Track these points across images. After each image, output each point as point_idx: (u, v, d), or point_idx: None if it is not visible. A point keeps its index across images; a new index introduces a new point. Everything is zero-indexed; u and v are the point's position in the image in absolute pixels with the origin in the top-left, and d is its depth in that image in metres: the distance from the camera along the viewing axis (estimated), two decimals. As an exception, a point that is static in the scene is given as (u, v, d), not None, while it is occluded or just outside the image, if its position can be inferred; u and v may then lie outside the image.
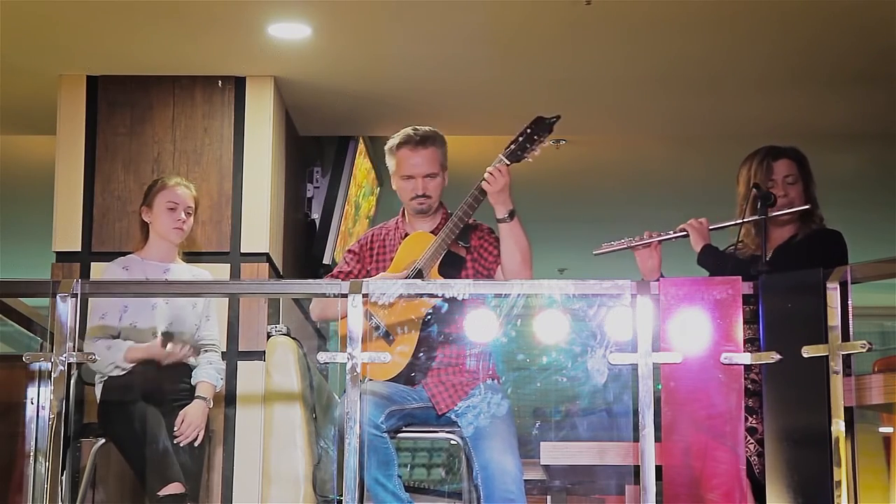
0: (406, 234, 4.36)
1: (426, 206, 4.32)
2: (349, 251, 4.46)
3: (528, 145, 4.15)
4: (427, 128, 4.36)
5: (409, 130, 4.34)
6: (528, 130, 4.16)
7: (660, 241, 4.27)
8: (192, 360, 4.63)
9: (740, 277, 3.64)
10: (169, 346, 4.48)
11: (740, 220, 4.20)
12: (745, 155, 4.38)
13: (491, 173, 4.13)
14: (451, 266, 4.24)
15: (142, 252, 4.69)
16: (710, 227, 4.27)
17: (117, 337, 4.53)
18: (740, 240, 4.27)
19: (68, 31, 5.28)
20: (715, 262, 4.22)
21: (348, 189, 6.76)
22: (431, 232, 4.31)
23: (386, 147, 4.40)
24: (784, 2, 5.01)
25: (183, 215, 4.64)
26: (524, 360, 4.26)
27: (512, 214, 4.17)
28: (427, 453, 9.42)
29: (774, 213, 4.17)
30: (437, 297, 4.01)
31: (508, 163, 4.14)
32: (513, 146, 4.16)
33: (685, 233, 4.27)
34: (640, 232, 4.30)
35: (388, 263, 4.31)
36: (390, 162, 4.38)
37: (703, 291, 3.59)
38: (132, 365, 4.47)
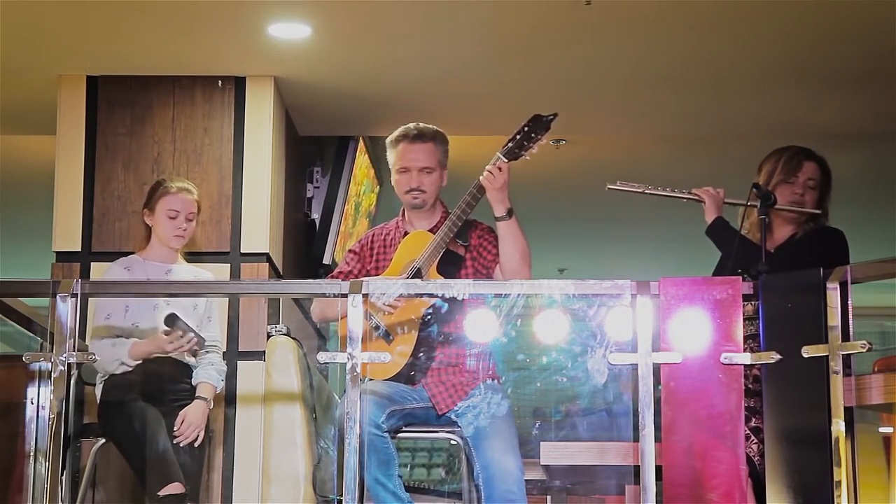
0: (406, 233, 4.35)
1: (420, 200, 4.31)
2: (350, 251, 4.46)
3: (526, 143, 4.12)
4: (430, 126, 4.36)
5: (409, 125, 4.35)
6: (526, 128, 4.13)
7: (671, 197, 4.23)
8: (192, 361, 4.63)
9: (740, 278, 3.64)
10: (172, 335, 4.45)
11: (751, 203, 4.17)
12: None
13: (490, 171, 4.11)
14: (450, 264, 4.23)
15: (143, 253, 4.69)
16: (725, 201, 4.25)
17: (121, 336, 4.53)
18: (745, 233, 4.27)
19: (68, 31, 5.28)
20: (724, 236, 4.20)
21: (348, 189, 6.76)
22: (430, 230, 4.30)
23: (387, 141, 4.39)
24: (787, 2, 5.01)
25: (184, 223, 4.64)
26: (524, 360, 4.25)
27: (510, 213, 4.15)
28: (427, 453, 9.41)
29: (780, 207, 4.16)
30: (436, 296, 4.01)
31: (506, 160, 4.11)
32: (510, 144, 4.13)
33: (700, 199, 4.25)
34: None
35: (389, 263, 4.30)
36: (390, 156, 4.37)
37: (703, 291, 3.59)
38: (137, 362, 4.46)
